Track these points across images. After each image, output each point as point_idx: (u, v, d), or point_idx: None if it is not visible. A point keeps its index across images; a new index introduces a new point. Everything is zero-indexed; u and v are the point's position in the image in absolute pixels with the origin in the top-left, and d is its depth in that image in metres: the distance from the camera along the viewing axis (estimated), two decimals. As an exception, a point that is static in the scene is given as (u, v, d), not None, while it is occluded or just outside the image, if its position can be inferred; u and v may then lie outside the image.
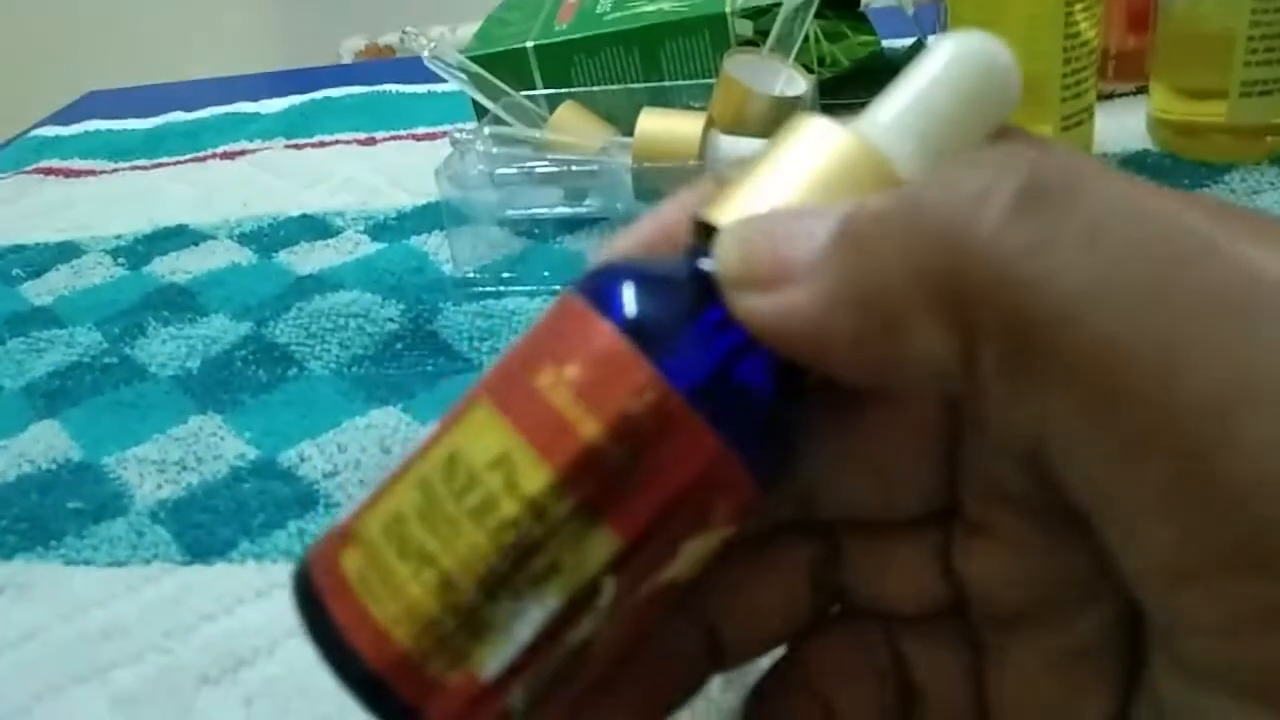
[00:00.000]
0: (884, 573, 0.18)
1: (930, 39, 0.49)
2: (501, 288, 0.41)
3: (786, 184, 0.15)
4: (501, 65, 0.47)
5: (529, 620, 0.15)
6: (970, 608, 0.18)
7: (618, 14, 0.49)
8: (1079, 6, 0.39)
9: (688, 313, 0.15)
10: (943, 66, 0.16)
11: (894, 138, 0.16)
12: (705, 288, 0.15)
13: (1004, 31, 0.16)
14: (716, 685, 0.22)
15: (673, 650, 0.18)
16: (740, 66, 0.41)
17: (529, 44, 0.49)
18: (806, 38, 0.44)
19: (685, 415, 0.15)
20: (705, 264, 0.15)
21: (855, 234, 0.14)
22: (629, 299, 0.15)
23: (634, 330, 0.15)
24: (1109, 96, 0.49)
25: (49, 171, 0.62)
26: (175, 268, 0.47)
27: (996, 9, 0.40)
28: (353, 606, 0.15)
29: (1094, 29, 0.40)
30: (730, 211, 0.16)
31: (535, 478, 0.14)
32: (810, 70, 0.46)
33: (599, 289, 0.15)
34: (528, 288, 0.40)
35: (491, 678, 0.15)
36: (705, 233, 0.16)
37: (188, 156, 0.61)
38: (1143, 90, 0.47)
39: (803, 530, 0.19)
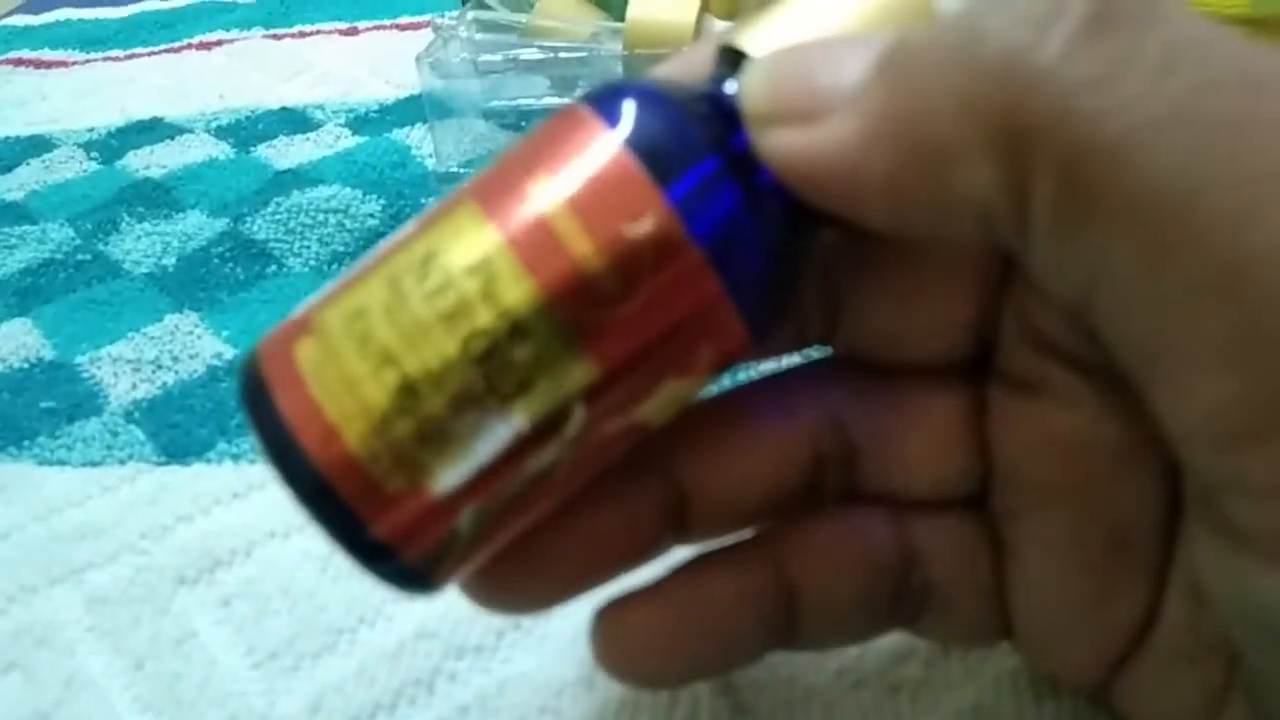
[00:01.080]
0: (905, 435, 0.17)
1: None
2: (487, 183, 0.39)
3: (824, 13, 0.14)
4: (487, -52, 0.45)
5: (491, 438, 0.14)
6: (996, 488, 0.17)
7: (609, -107, 0.46)
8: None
9: (706, 141, 0.14)
10: None
11: None
12: (727, 117, 0.14)
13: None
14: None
15: (632, 511, 0.16)
16: (737, -52, 0.39)
17: (516, -75, 0.46)
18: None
19: (687, 250, 0.13)
20: (729, 89, 0.14)
21: (902, 61, 0.12)
22: (643, 116, 0.14)
23: (644, 150, 0.14)
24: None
25: (19, 62, 0.59)
26: (150, 162, 0.45)
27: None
28: (303, 400, 0.14)
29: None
30: (760, 39, 0.14)
31: (516, 290, 0.13)
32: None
33: (612, 102, 0.14)
34: (514, 183, 0.39)
35: (442, 494, 0.14)
36: (732, 61, 0.15)
37: (162, 47, 0.59)
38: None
39: (812, 383, 0.17)
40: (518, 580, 0.16)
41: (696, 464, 0.17)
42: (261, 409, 0.14)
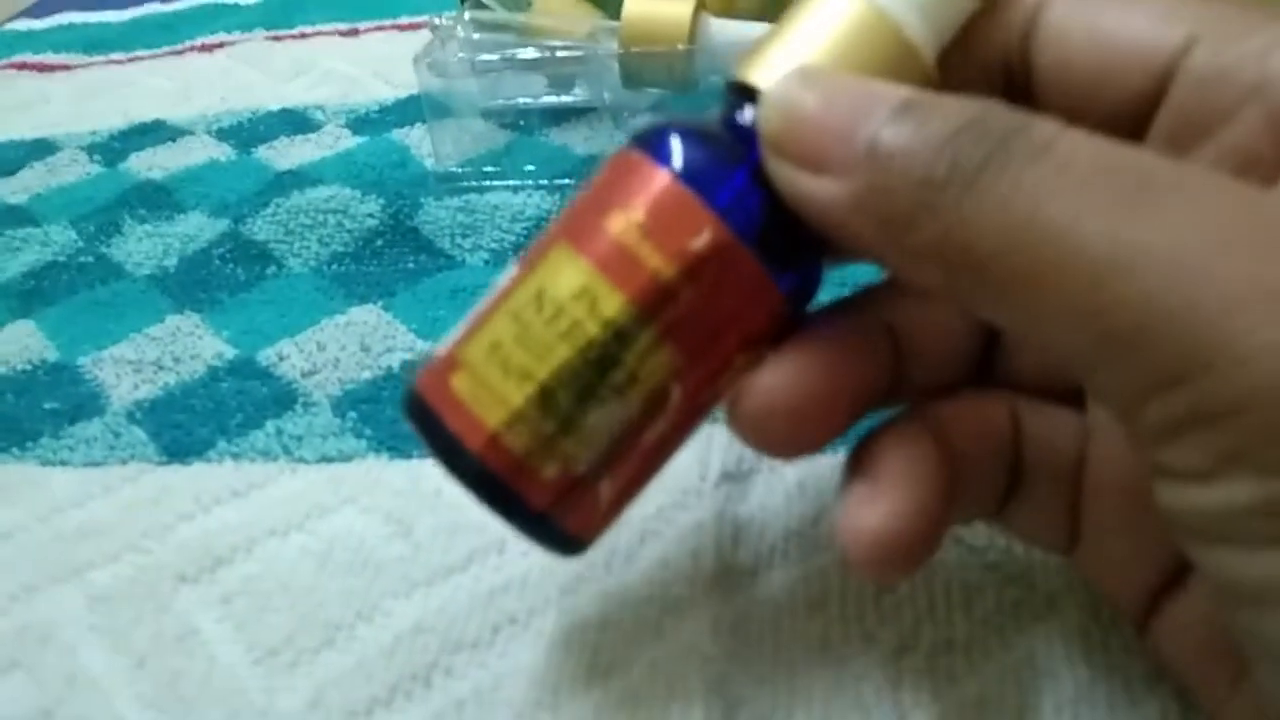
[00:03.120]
0: None
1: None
2: (485, 182, 0.39)
3: (812, 49, 0.17)
4: (484, -53, 0.45)
5: (613, 422, 0.18)
6: None
7: (606, -109, 0.46)
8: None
9: (733, 160, 0.17)
10: None
11: (899, 3, 0.18)
12: (746, 139, 0.17)
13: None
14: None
15: (874, 351, 0.19)
16: (733, -55, 0.39)
17: (513, -76, 0.46)
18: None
19: (736, 249, 0.17)
20: (745, 117, 0.18)
21: (883, 158, 0.16)
22: (684, 150, 0.17)
23: (691, 178, 0.17)
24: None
25: (22, 67, 0.60)
26: (152, 164, 0.45)
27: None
28: (467, 419, 0.18)
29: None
30: (767, 75, 0.18)
31: (613, 305, 0.17)
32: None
33: (657, 144, 0.18)
34: (512, 182, 0.39)
35: (584, 471, 0.18)
36: (739, 92, 0.18)
37: (164, 50, 0.59)
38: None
39: None
40: (794, 435, 0.18)
41: (913, 323, 0.20)
42: (435, 433, 0.18)
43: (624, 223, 0.17)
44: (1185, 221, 0.14)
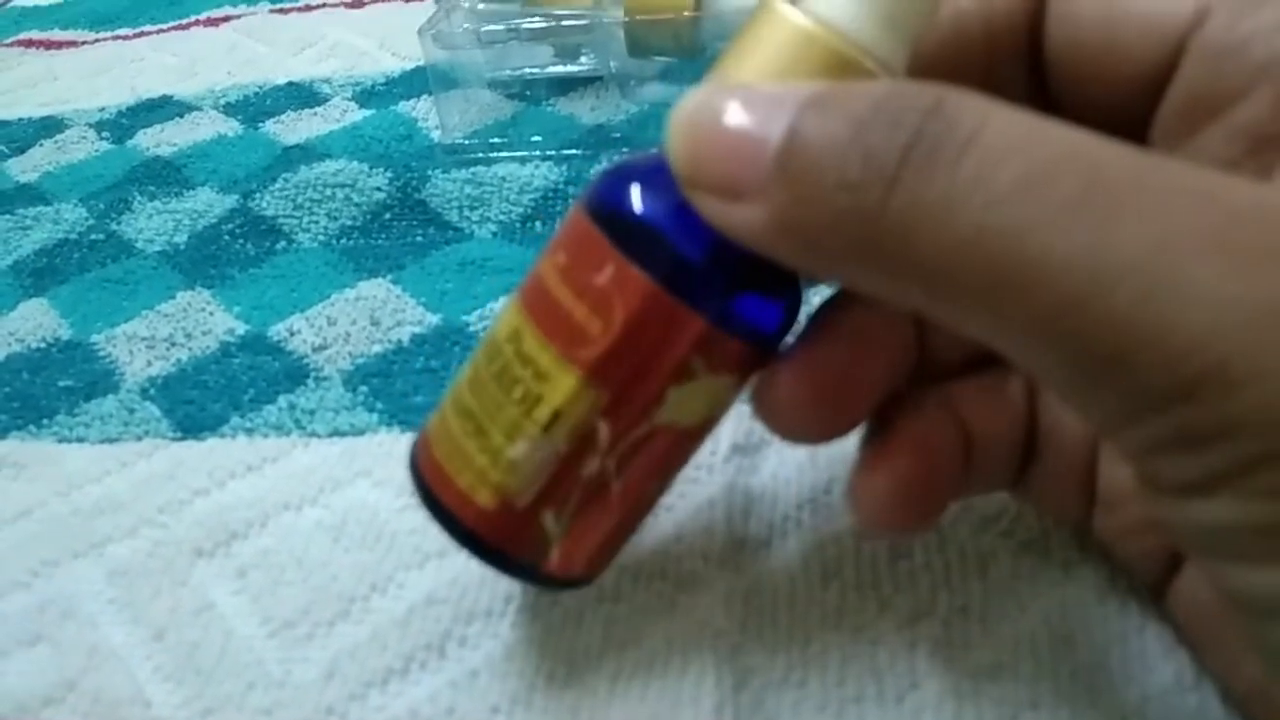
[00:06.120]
0: None
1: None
2: (492, 154, 0.39)
3: (746, 73, 0.16)
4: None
5: (542, 459, 0.18)
6: None
7: None
8: None
9: (655, 197, 0.17)
10: None
11: (845, 11, 0.16)
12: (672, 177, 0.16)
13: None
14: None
15: (896, 334, 0.19)
16: (740, -91, 0.38)
17: (517, -109, 0.46)
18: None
19: (647, 289, 0.17)
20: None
21: (794, 170, 0.14)
22: (606, 195, 0.17)
23: (601, 216, 0.17)
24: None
25: (30, 44, 0.60)
26: (160, 140, 0.45)
27: None
28: (428, 452, 0.19)
29: None
30: None
31: (534, 346, 0.18)
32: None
33: (588, 190, 0.18)
34: (519, 153, 0.39)
35: (523, 506, 0.18)
36: None
37: (170, 24, 0.59)
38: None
39: None
40: (819, 423, 0.18)
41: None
42: (412, 467, 0.20)
43: (549, 265, 0.18)
44: (1150, 230, 0.12)
